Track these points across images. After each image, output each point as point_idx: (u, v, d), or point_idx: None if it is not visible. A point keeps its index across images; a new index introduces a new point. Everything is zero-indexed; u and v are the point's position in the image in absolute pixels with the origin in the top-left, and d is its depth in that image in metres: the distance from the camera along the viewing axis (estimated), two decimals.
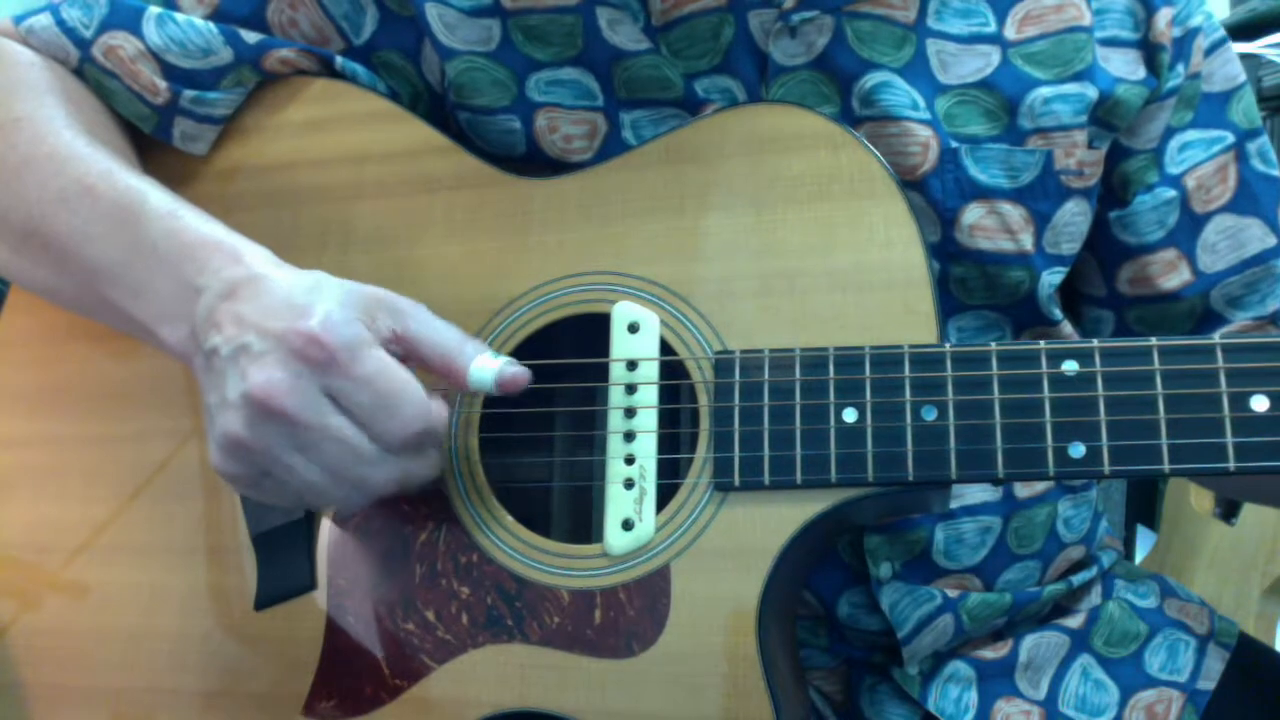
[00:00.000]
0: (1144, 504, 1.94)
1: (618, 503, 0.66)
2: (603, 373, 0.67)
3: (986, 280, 0.75)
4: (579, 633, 0.65)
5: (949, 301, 0.76)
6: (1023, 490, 0.77)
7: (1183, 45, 0.78)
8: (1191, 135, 0.80)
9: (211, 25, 0.75)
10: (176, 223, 0.65)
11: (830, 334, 0.65)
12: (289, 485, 0.60)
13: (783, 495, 0.63)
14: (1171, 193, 0.80)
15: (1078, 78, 0.75)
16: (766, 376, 0.64)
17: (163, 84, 0.75)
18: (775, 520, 0.63)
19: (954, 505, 0.74)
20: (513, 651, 0.66)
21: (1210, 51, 0.80)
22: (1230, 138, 0.80)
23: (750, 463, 0.63)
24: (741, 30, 0.74)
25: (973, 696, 0.76)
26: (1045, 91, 0.75)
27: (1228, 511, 1.48)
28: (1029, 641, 0.78)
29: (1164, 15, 0.77)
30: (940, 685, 0.76)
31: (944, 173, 0.73)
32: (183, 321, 0.63)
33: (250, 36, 0.76)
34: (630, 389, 0.67)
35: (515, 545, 0.67)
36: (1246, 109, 0.81)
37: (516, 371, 0.64)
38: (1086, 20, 0.76)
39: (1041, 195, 0.75)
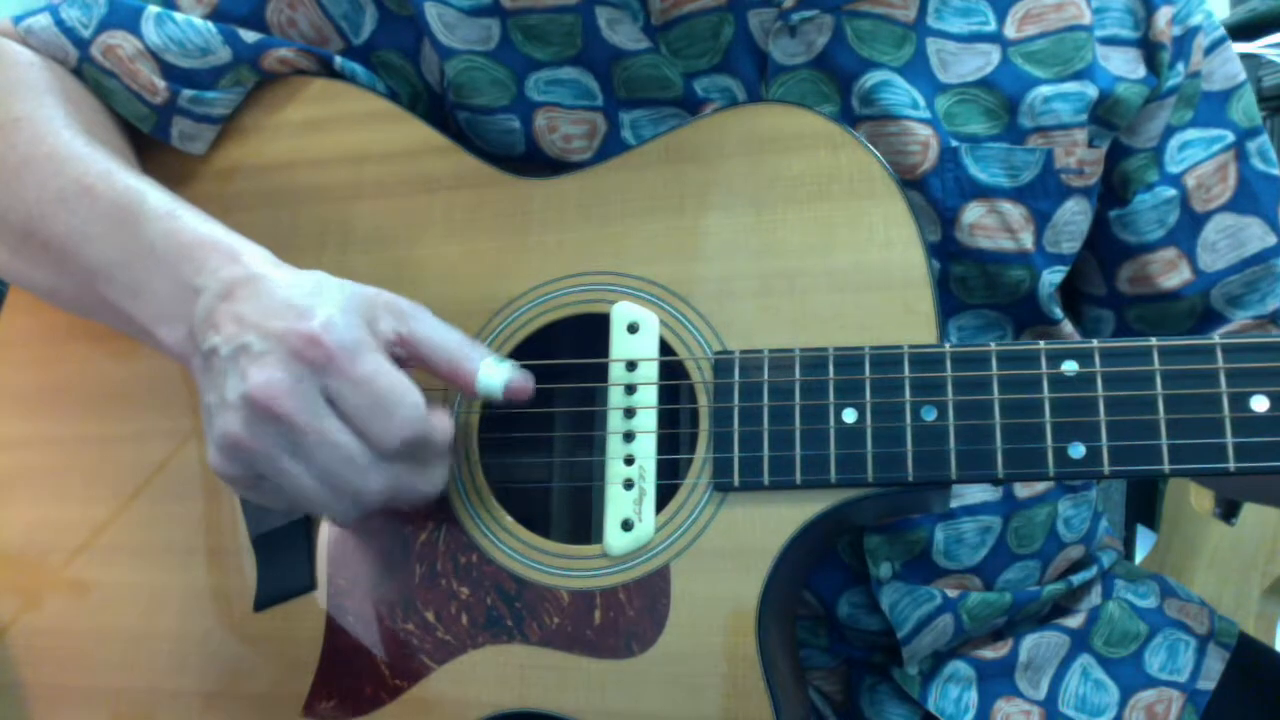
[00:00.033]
0: (1144, 504, 1.94)
1: (617, 503, 0.65)
2: (602, 373, 0.67)
3: (987, 279, 0.75)
4: (579, 633, 0.65)
5: (949, 301, 0.76)
6: (1023, 490, 0.77)
7: (1183, 44, 0.78)
8: (1191, 134, 0.80)
9: (210, 25, 0.75)
10: (175, 223, 0.65)
11: (830, 334, 0.64)
12: (283, 490, 0.60)
13: (782, 495, 0.63)
14: (1171, 192, 0.80)
15: (1078, 76, 0.75)
16: (766, 377, 0.64)
17: (161, 83, 0.75)
18: (775, 520, 0.63)
19: (954, 505, 0.74)
20: (512, 652, 0.66)
21: (1210, 50, 0.80)
22: (1230, 136, 0.80)
23: (750, 463, 0.63)
24: (741, 29, 0.74)
25: (973, 696, 0.76)
26: (1045, 90, 0.75)
27: (1228, 511, 1.48)
28: (1029, 641, 0.78)
29: (1164, 14, 0.77)
30: (940, 685, 0.76)
31: (944, 172, 0.73)
32: (181, 322, 0.63)
33: (249, 36, 0.76)
34: (630, 389, 0.67)
35: (515, 546, 0.67)
36: (1246, 108, 0.81)
37: (524, 378, 0.64)
38: (1086, 19, 0.76)
39: (1042, 194, 0.75)
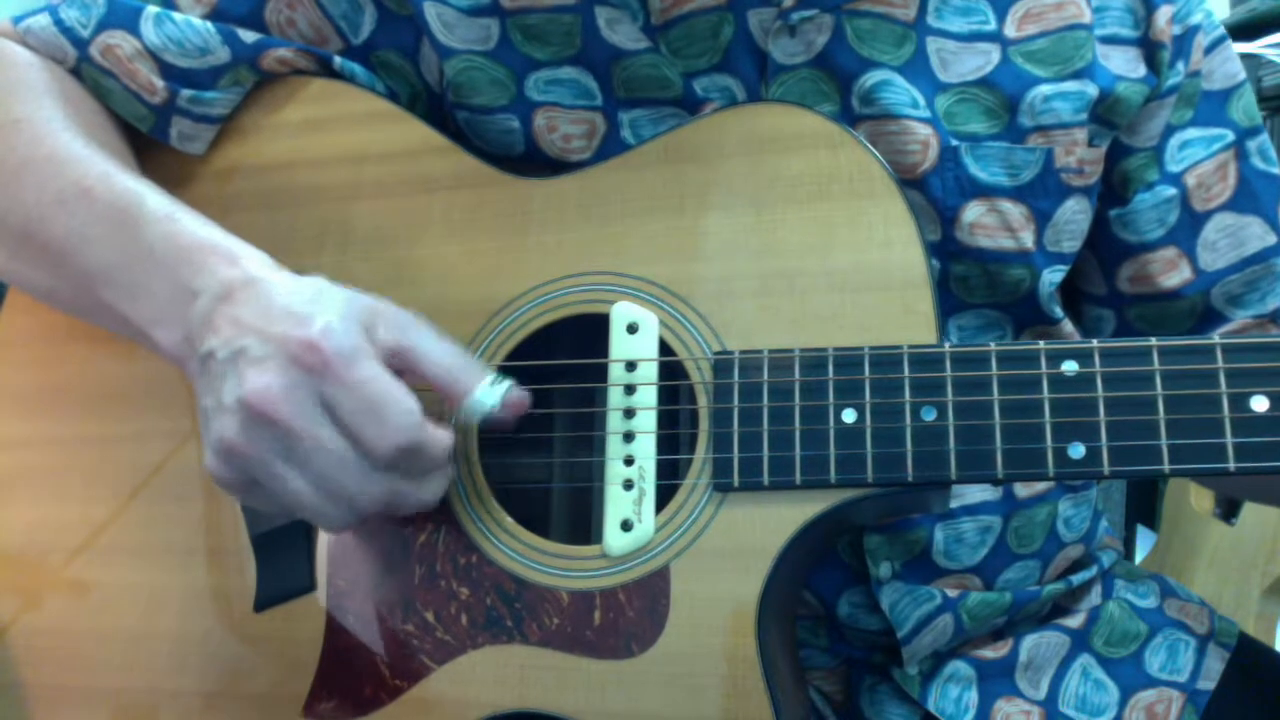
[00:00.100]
0: (1144, 504, 1.94)
1: (617, 503, 0.65)
2: (602, 373, 0.67)
3: (987, 279, 0.75)
4: (578, 633, 0.65)
5: (949, 300, 0.76)
6: (1023, 490, 0.77)
7: (1183, 43, 0.78)
8: (1191, 133, 0.80)
9: (209, 25, 0.75)
10: (174, 226, 0.65)
11: (829, 334, 0.64)
12: (278, 496, 0.60)
13: (782, 496, 0.63)
14: (1171, 191, 0.80)
15: (1078, 75, 0.75)
16: (765, 377, 0.64)
17: (160, 83, 0.75)
18: (775, 521, 0.63)
19: (954, 505, 0.74)
20: (512, 652, 0.66)
21: (1210, 49, 0.80)
22: (1230, 136, 0.80)
23: (749, 463, 0.63)
24: (741, 29, 0.74)
25: (973, 696, 0.76)
26: (1045, 89, 0.75)
27: (1228, 511, 1.48)
28: (1029, 641, 0.78)
29: (1164, 13, 0.77)
30: (940, 685, 0.76)
31: (944, 171, 0.73)
32: (178, 324, 0.63)
33: (248, 36, 0.76)
34: (629, 390, 0.67)
35: (515, 546, 0.67)
36: (1246, 107, 0.81)
37: (522, 394, 0.64)
38: (1086, 18, 0.76)
39: (1042, 193, 0.75)
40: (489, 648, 0.66)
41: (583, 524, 0.74)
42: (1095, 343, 0.60)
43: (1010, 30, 0.76)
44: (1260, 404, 0.57)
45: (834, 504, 0.62)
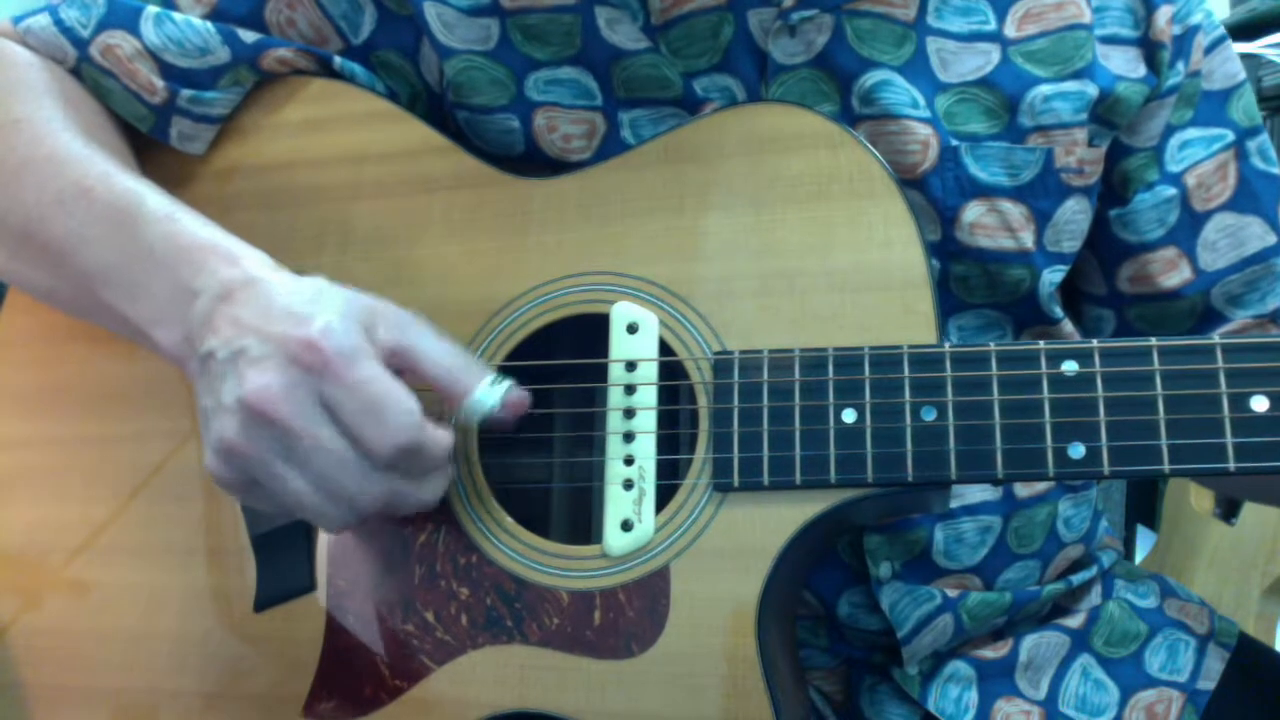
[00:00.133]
0: (1144, 504, 1.94)
1: (617, 503, 0.65)
2: (602, 373, 0.67)
3: (987, 279, 0.75)
4: (578, 633, 0.65)
5: (949, 300, 0.76)
6: (1023, 490, 0.77)
7: (1183, 43, 0.78)
8: (1192, 133, 0.80)
9: (209, 25, 0.75)
10: (174, 226, 0.65)
11: (829, 334, 0.64)
12: (277, 496, 0.60)
13: (782, 496, 0.63)
14: (1171, 191, 0.80)
15: (1078, 75, 0.75)
16: (765, 377, 0.64)
17: (160, 83, 0.75)
18: (775, 521, 0.63)
19: (954, 505, 0.74)
20: (512, 652, 0.66)
21: (1210, 49, 0.80)
22: (1230, 136, 0.80)
23: (749, 463, 0.63)
24: (741, 29, 0.74)
25: (973, 696, 0.76)
26: (1045, 89, 0.75)
27: (1228, 511, 1.48)
28: (1029, 641, 0.78)
29: (1164, 13, 0.77)
30: (940, 685, 0.76)
31: (944, 171, 0.73)
32: (178, 325, 0.63)
33: (248, 36, 0.76)
34: (629, 390, 0.67)
35: (515, 546, 0.67)
36: (1246, 107, 0.81)
37: (522, 394, 0.64)
38: (1086, 18, 0.76)
39: (1042, 193, 0.75)
40: (489, 648, 0.66)
41: (583, 524, 0.74)
42: (1095, 343, 0.60)
43: (1010, 30, 0.76)
44: (1260, 404, 0.57)
45: (834, 504, 0.62)
